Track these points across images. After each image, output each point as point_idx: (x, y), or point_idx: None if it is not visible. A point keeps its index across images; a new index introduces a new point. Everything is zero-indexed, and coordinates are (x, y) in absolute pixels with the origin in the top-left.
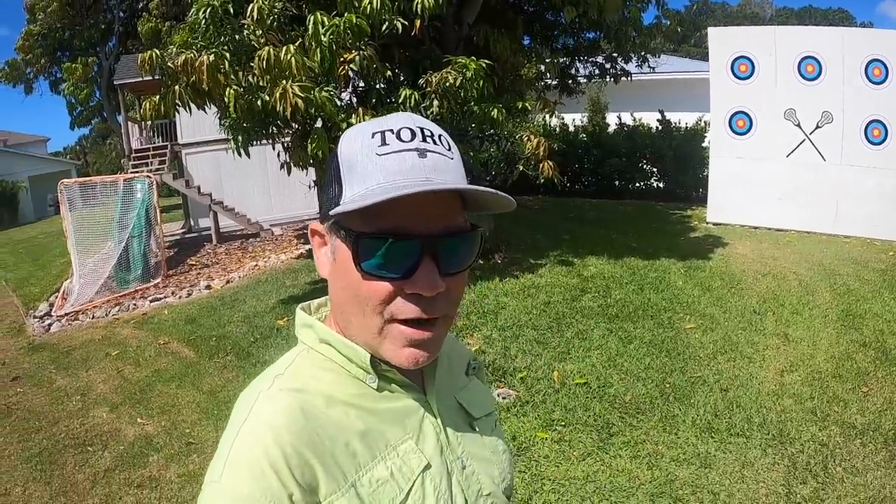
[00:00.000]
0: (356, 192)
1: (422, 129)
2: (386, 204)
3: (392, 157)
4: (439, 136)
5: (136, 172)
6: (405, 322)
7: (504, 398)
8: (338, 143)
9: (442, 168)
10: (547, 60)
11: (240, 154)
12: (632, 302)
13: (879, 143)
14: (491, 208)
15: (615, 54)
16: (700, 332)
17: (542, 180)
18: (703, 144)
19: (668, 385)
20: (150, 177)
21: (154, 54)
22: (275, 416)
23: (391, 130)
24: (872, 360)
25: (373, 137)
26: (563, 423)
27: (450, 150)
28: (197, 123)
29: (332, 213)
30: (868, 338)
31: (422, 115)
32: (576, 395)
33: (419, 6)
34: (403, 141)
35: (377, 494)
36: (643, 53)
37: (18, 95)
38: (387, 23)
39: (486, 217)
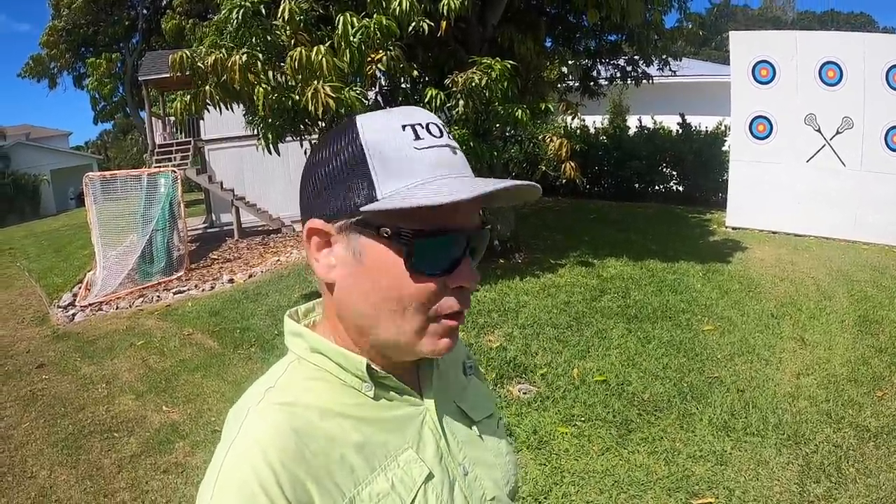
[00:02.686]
0: (399, 188)
1: (440, 126)
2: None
3: (431, 152)
4: (450, 133)
5: (160, 167)
6: (447, 316)
7: (525, 393)
8: (351, 134)
9: (467, 164)
10: (569, 62)
11: (269, 152)
12: (650, 303)
13: None
14: (497, 202)
15: (637, 57)
16: (718, 333)
17: (564, 181)
18: (724, 148)
19: (685, 384)
20: (174, 171)
21: (185, 55)
22: (264, 434)
23: (420, 125)
24: (888, 365)
25: (404, 130)
26: (582, 419)
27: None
28: (220, 120)
29: (371, 208)
30: (884, 343)
31: (446, 114)
32: (595, 392)
33: (445, 7)
34: (434, 136)
35: None
36: (664, 56)
37: (42, 90)
38: (414, 24)
39: (508, 217)
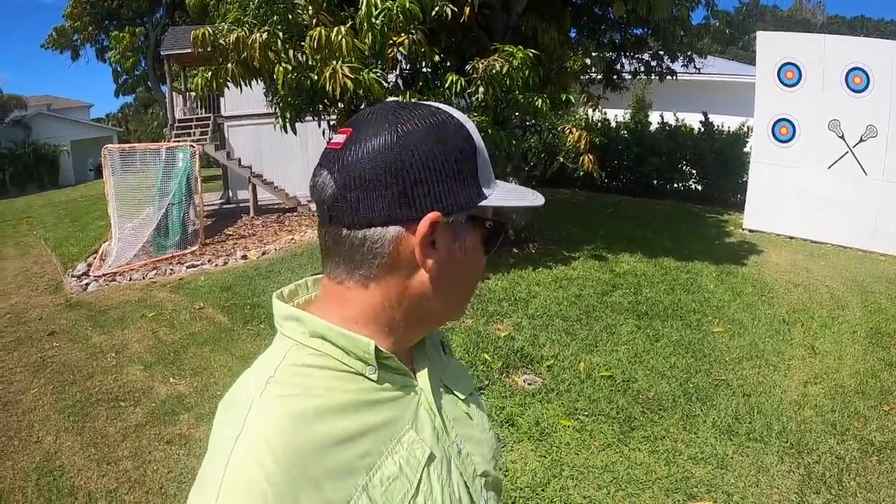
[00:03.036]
0: (492, 189)
1: None
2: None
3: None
4: None
5: (179, 141)
6: None
7: (530, 384)
8: (460, 131)
9: None
10: (593, 54)
11: (286, 131)
12: (662, 301)
13: None
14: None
15: (661, 52)
16: (727, 336)
17: (582, 174)
18: (745, 149)
19: (691, 385)
20: (192, 146)
21: (207, 31)
22: (270, 429)
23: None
24: None
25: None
26: (585, 413)
27: None
28: (240, 97)
29: (492, 205)
30: (895, 357)
31: (466, 101)
32: (600, 387)
33: None
34: None
35: (389, 493)
36: (690, 53)
37: (65, 62)
38: (437, 8)
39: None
